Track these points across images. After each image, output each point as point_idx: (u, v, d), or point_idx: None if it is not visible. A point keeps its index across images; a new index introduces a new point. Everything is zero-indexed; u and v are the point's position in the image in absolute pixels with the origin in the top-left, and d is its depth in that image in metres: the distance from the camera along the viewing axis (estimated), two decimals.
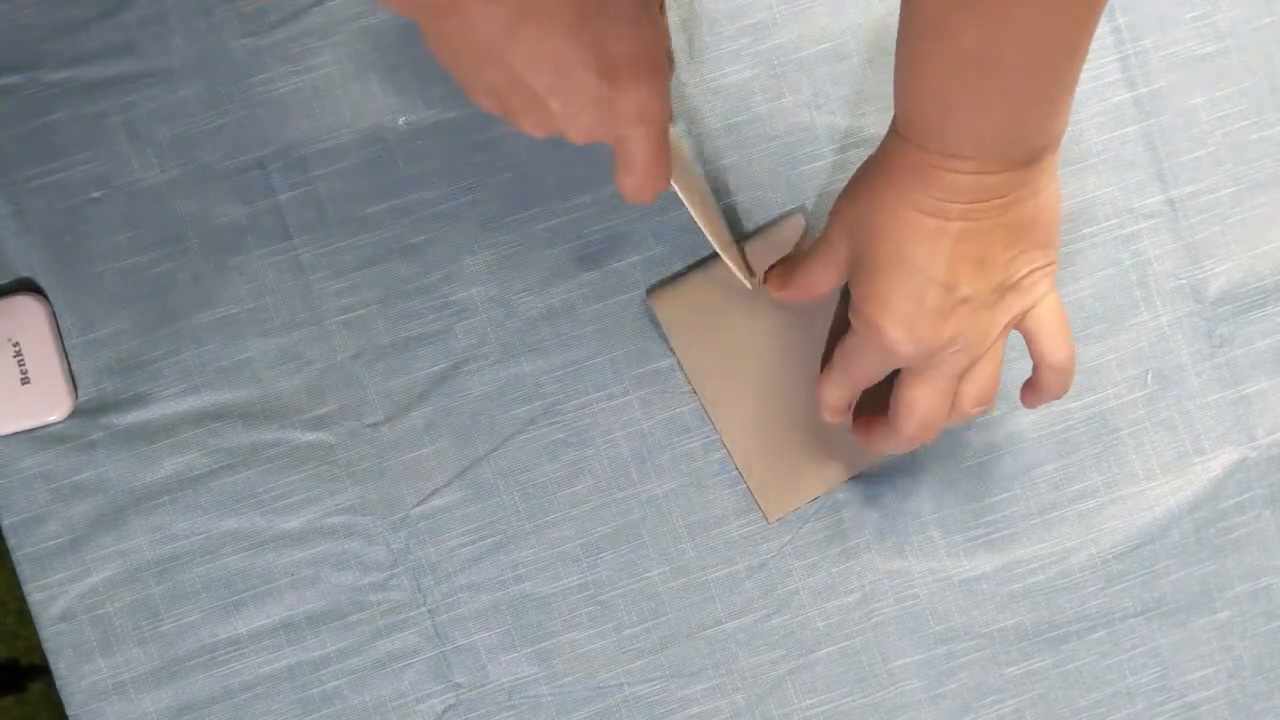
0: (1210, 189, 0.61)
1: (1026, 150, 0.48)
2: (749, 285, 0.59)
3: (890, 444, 0.56)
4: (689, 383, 0.60)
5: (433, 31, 0.46)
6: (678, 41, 0.60)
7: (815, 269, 0.56)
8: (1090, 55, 0.60)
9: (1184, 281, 0.62)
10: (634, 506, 0.61)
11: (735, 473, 0.61)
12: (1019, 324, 0.53)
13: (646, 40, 0.47)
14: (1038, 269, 0.51)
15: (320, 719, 0.60)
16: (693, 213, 0.56)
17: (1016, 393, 0.61)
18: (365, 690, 0.60)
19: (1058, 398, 0.54)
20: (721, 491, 0.61)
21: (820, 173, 0.61)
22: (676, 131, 0.59)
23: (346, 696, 0.60)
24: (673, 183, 0.52)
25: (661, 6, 0.51)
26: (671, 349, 0.60)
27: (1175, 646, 0.62)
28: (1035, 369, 0.54)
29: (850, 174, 0.60)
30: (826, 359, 0.60)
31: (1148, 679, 0.62)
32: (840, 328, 0.59)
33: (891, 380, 0.56)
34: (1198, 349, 0.62)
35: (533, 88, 0.46)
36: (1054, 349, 0.53)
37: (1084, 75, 0.60)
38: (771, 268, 0.59)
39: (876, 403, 0.59)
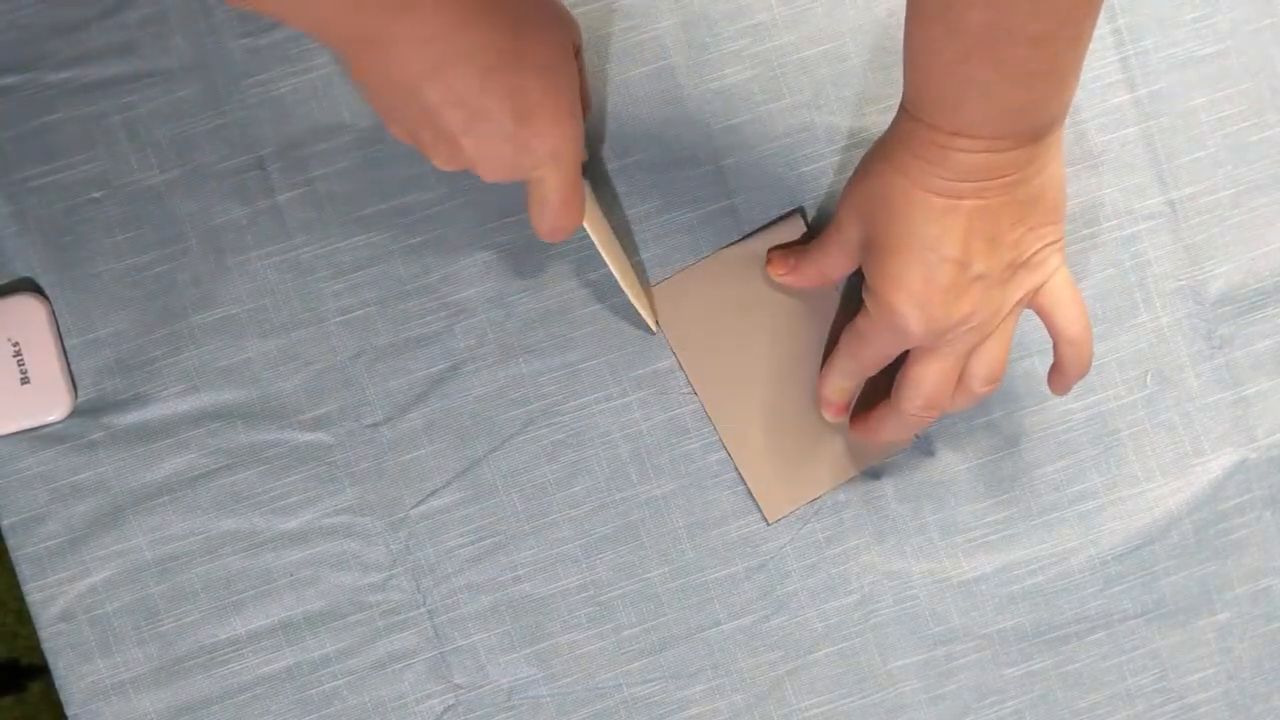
0: (1210, 190, 0.61)
1: (1036, 125, 0.48)
2: (652, 329, 0.60)
3: (891, 426, 0.56)
4: (689, 382, 0.60)
5: (354, 61, 0.47)
6: (678, 43, 0.60)
7: (826, 255, 0.56)
8: (1091, 56, 0.60)
9: (1184, 283, 0.62)
10: (633, 507, 0.61)
11: (734, 474, 0.61)
12: (1031, 301, 0.53)
13: (561, 87, 0.49)
14: (1047, 245, 0.52)
15: (319, 719, 0.60)
16: (601, 252, 0.56)
17: (1017, 393, 0.61)
18: (365, 691, 0.60)
19: (1082, 374, 0.54)
20: (721, 492, 0.61)
21: (821, 173, 0.61)
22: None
23: (346, 697, 0.60)
24: (584, 223, 0.53)
25: (578, 53, 0.52)
26: (671, 348, 0.60)
27: (1175, 648, 0.62)
28: (1054, 347, 0.54)
29: (850, 175, 0.60)
30: (827, 358, 0.60)
31: (1147, 680, 0.62)
32: (841, 327, 0.60)
33: (886, 378, 0.56)
34: (1197, 350, 0.62)
35: (447, 127, 0.47)
36: (1069, 322, 0.53)
37: (1085, 76, 0.60)
38: (775, 250, 0.59)
39: (872, 403, 0.59)
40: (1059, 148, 0.51)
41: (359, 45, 0.46)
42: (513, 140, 0.48)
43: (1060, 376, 0.55)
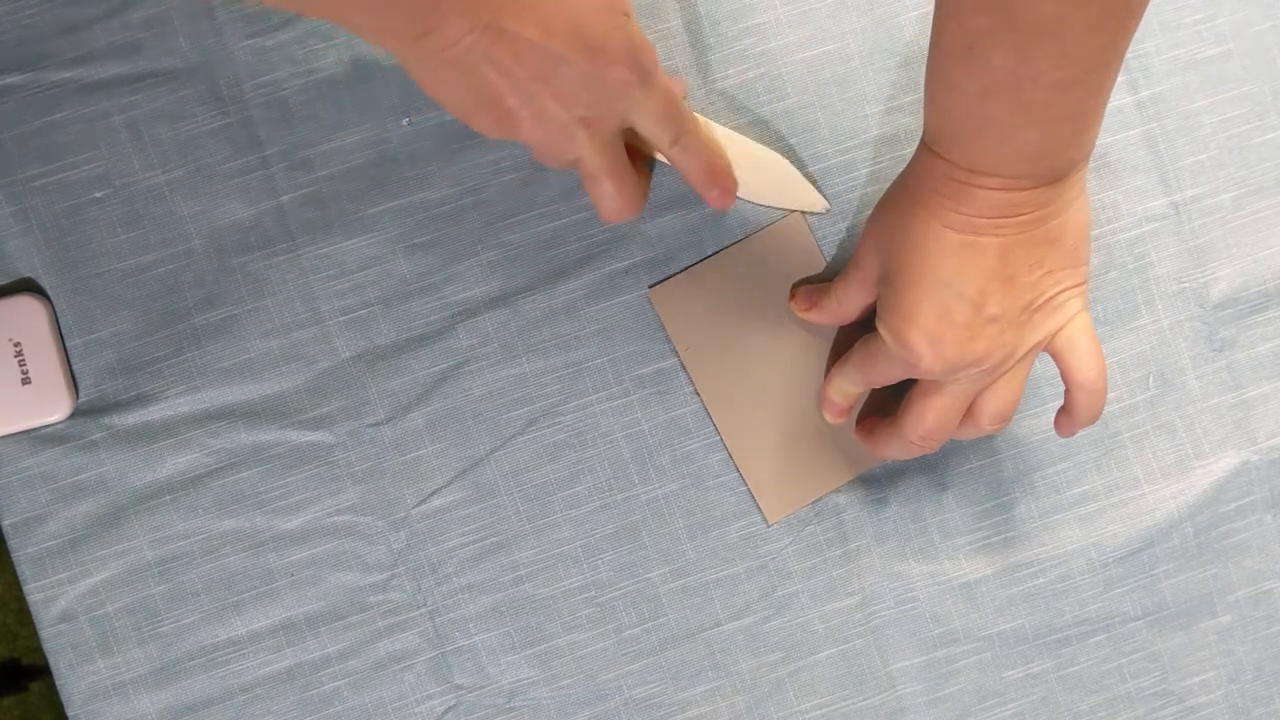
0: (1212, 192, 0.61)
1: (1056, 166, 0.48)
2: (827, 207, 0.60)
3: (893, 448, 0.56)
4: (690, 382, 0.60)
5: (416, 64, 0.47)
6: (681, 43, 0.60)
7: (846, 291, 0.56)
8: None
9: (1186, 285, 0.62)
10: (634, 508, 0.61)
11: (736, 474, 0.61)
12: (1048, 345, 0.52)
13: (616, 8, 0.48)
14: (1066, 289, 0.51)
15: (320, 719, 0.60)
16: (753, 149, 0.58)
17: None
18: (365, 691, 0.60)
19: (1091, 422, 0.53)
20: (722, 493, 0.61)
21: (825, 174, 0.61)
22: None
23: (346, 698, 0.60)
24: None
25: None
26: (673, 346, 0.60)
27: (1175, 650, 0.62)
28: (1066, 391, 0.53)
29: (853, 175, 0.60)
30: (832, 359, 0.60)
31: (1148, 683, 0.62)
32: (846, 329, 0.60)
33: (893, 388, 0.56)
34: (1199, 352, 0.62)
35: (525, 86, 0.47)
36: (1084, 369, 0.52)
37: None
38: (798, 287, 0.59)
39: (881, 406, 0.59)
40: (1081, 190, 0.50)
41: (412, 44, 0.45)
42: (590, 76, 0.47)
43: (1069, 421, 0.54)
